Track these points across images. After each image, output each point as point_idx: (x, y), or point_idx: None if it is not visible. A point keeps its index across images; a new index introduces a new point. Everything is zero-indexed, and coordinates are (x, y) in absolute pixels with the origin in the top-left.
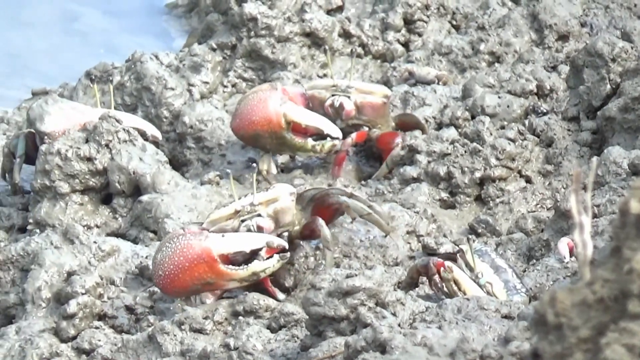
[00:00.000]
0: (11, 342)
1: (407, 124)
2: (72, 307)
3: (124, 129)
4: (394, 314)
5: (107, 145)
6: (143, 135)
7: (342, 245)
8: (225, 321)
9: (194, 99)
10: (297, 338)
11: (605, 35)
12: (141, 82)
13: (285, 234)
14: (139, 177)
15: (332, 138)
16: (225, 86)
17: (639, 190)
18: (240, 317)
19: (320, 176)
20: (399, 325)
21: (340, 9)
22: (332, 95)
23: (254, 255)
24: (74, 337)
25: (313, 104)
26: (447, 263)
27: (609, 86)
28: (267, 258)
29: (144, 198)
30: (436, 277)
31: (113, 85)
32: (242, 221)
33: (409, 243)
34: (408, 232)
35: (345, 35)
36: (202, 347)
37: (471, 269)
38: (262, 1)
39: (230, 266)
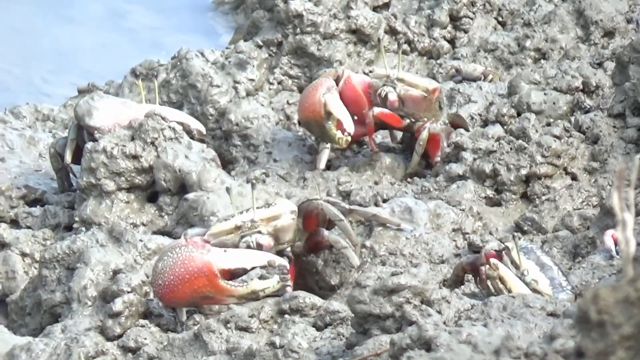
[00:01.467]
0: (57, 340)
1: (455, 124)
2: (117, 305)
3: (169, 127)
4: (439, 312)
5: (152, 143)
6: (188, 131)
7: (388, 243)
8: (271, 319)
9: (239, 96)
10: (343, 336)
11: None
12: (187, 79)
13: (288, 249)
14: (185, 175)
15: (347, 133)
16: (271, 83)
17: None
18: (286, 316)
19: (366, 174)
20: (444, 323)
21: (386, 5)
22: (383, 85)
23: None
24: (120, 336)
25: (372, 92)
26: (493, 260)
27: None
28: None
29: (190, 196)
30: (483, 269)
31: (158, 81)
32: (242, 237)
33: (454, 241)
34: (454, 230)
35: (392, 31)
36: (247, 345)
37: (517, 267)
38: None
39: (230, 282)
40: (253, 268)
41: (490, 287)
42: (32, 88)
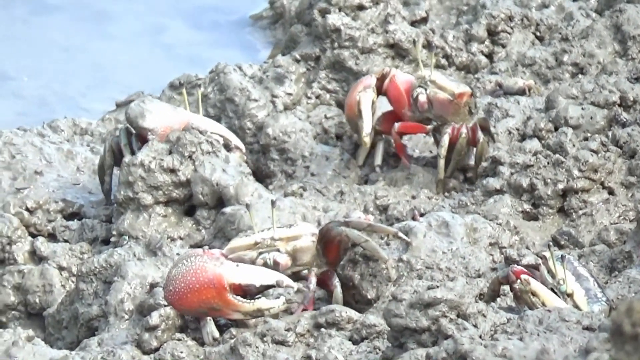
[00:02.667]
0: (93, 354)
1: (483, 128)
2: (154, 318)
3: (207, 140)
4: (475, 326)
5: (190, 157)
6: (227, 145)
7: (424, 256)
8: (307, 333)
9: (277, 110)
10: (379, 350)
11: None
12: (224, 93)
13: (305, 272)
14: (222, 188)
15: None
16: (309, 97)
17: None
18: (323, 329)
19: (403, 188)
20: (480, 336)
21: (424, 20)
22: (418, 86)
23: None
24: (157, 349)
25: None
26: (524, 276)
27: None
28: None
29: (227, 210)
30: (515, 285)
31: (200, 91)
32: (260, 253)
33: (491, 255)
34: (491, 244)
35: (429, 46)
36: (284, 358)
37: (553, 276)
38: (345, 12)
39: (238, 297)
40: (262, 286)
41: (525, 302)
42: (70, 103)
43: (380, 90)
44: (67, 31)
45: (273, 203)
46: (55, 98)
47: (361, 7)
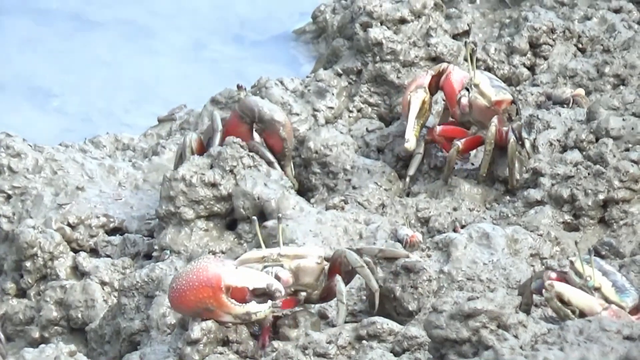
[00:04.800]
0: None
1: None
2: (196, 332)
3: (248, 155)
4: (515, 336)
5: (231, 171)
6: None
7: (465, 268)
8: (349, 345)
9: (318, 124)
10: None
11: None
12: None
13: (303, 294)
14: (264, 202)
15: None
16: (350, 111)
17: None
18: (364, 341)
19: (445, 200)
20: (521, 347)
21: (466, 33)
22: (464, 88)
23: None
24: None
25: None
26: (548, 281)
27: None
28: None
29: (269, 223)
30: (543, 294)
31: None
32: (265, 267)
33: (532, 266)
34: (531, 255)
35: (472, 50)
36: None
37: (580, 276)
38: (387, 26)
39: (232, 300)
40: (255, 289)
41: (553, 309)
42: (113, 118)
43: (438, 86)
44: (111, 47)
45: (279, 219)
46: (98, 114)
47: (403, 21)
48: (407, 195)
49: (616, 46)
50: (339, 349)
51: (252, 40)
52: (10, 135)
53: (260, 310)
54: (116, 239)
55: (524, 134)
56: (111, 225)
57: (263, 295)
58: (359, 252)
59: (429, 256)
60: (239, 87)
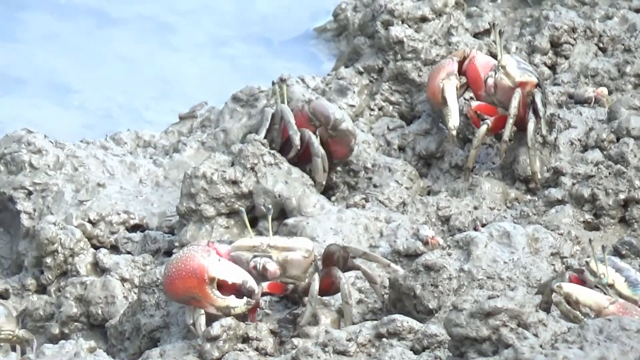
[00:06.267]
0: None
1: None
2: (215, 329)
3: (269, 152)
4: (535, 335)
5: (252, 169)
6: None
7: (485, 266)
8: (368, 343)
9: None
10: (440, 359)
11: None
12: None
13: (291, 286)
14: (285, 200)
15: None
16: (371, 109)
17: None
18: (384, 339)
19: (465, 199)
20: (541, 346)
21: (487, 32)
22: (491, 70)
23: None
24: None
25: None
26: (556, 284)
27: None
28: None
29: (290, 221)
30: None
31: (259, 106)
32: (255, 257)
33: (552, 265)
34: (552, 254)
35: (493, 58)
36: None
37: (595, 274)
38: (408, 24)
39: (215, 292)
40: (234, 284)
41: (562, 312)
42: (134, 115)
43: (460, 71)
44: (132, 44)
45: (268, 209)
46: (119, 110)
47: (424, 19)
48: (428, 194)
49: (637, 45)
50: (359, 347)
51: (273, 37)
52: (31, 132)
53: (238, 305)
54: (136, 235)
55: (540, 108)
56: (132, 222)
57: (241, 290)
58: (345, 249)
59: (449, 255)
60: (282, 80)
